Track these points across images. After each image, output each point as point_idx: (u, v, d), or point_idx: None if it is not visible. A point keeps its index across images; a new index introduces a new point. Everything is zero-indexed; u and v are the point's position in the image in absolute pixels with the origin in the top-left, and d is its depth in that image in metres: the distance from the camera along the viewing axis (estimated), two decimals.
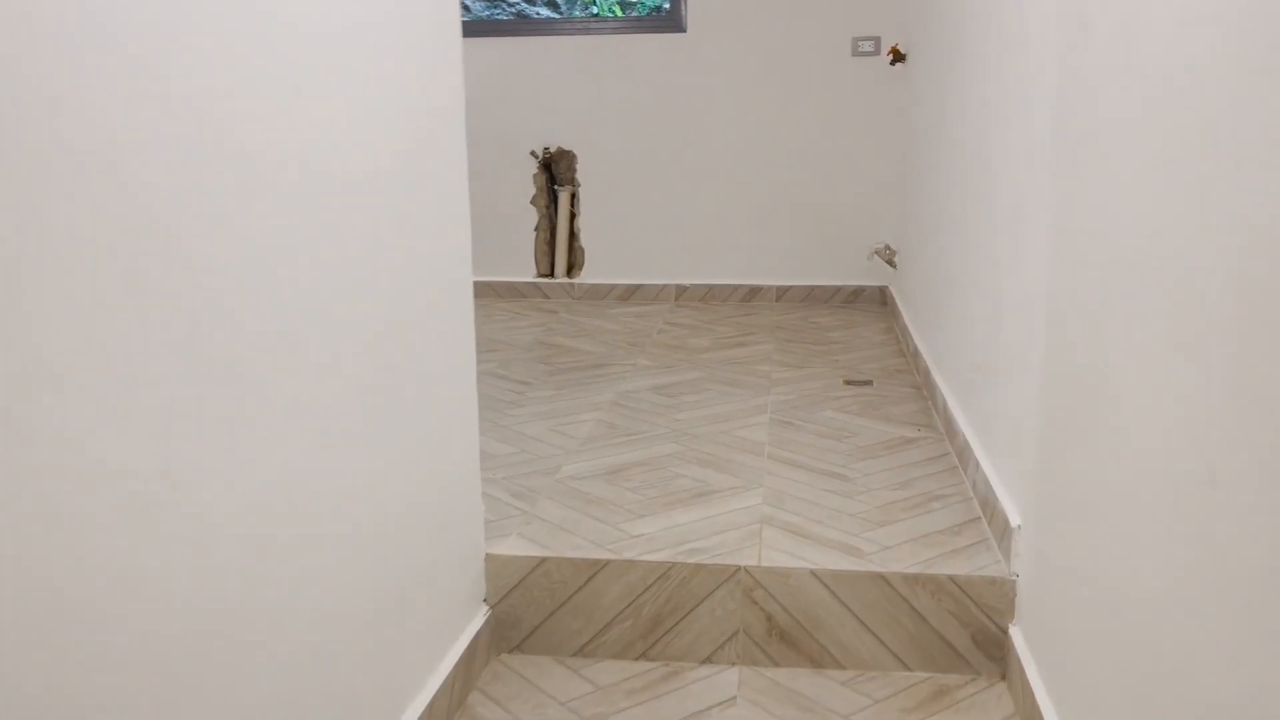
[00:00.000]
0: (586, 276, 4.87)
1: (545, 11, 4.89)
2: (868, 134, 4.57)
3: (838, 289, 4.69)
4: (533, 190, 4.85)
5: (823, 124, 4.59)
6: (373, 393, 1.42)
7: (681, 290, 4.79)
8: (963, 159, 2.71)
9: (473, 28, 4.77)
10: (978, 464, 2.21)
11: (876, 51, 4.49)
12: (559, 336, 4.02)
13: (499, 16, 4.91)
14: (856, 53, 4.51)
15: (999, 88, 2.22)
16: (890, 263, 4.39)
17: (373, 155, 1.41)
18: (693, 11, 4.59)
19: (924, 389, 3.14)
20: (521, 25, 4.76)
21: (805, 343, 3.86)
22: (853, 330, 4.09)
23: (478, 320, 4.63)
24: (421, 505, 1.61)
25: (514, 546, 1.96)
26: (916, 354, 3.39)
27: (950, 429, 2.61)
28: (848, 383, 3.28)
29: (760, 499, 2.23)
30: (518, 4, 5.01)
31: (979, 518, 2.11)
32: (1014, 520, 1.84)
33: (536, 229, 4.87)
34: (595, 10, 4.91)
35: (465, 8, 4.92)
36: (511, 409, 2.97)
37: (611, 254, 4.85)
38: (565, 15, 4.91)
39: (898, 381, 3.27)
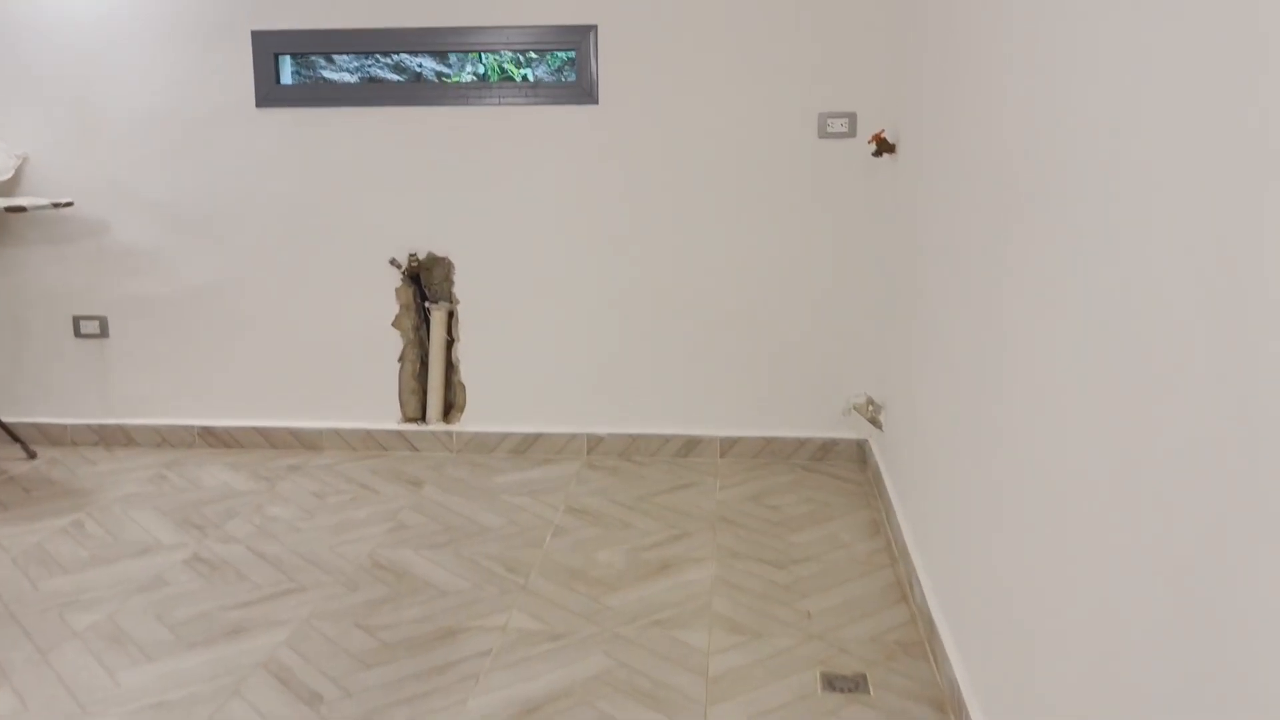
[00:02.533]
0: (468, 422, 3.64)
1: (433, 65, 3.68)
2: (842, 242, 3.41)
3: (802, 443, 3.51)
4: (395, 309, 3.62)
5: (781, 226, 3.43)
6: None
7: (595, 442, 3.58)
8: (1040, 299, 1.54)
9: (320, 94, 3.53)
10: None
11: (851, 133, 3.34)
12: (409, 545, 2.80)
13: (380, 73, 3.69)
14: (825, 133, 3.36)
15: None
16: (874, 421, 3.23)
17: None
18: (606, 76, 3.40)
19: (955, 715, 1.96)
20: (380, 92, 3.54)
21: (760, 560, 2.68)
22: (825, 526, 2.91)
23: (304, 499, 3.12)
24: None
25: None
26: (930, 621, 2.21)
27: None
28: (829, 685, 2.09)
29: None
30: (400, 59, 3.79)
31: None
32: None
33: (402, 359, 3.64)
34: (483, 71, 3.71)
35: (329, 59, 3.68)
36: None
37: (502, 393, 3.63)
38: (451, 78, 3.69)
39: (906, 678, 2.09)
